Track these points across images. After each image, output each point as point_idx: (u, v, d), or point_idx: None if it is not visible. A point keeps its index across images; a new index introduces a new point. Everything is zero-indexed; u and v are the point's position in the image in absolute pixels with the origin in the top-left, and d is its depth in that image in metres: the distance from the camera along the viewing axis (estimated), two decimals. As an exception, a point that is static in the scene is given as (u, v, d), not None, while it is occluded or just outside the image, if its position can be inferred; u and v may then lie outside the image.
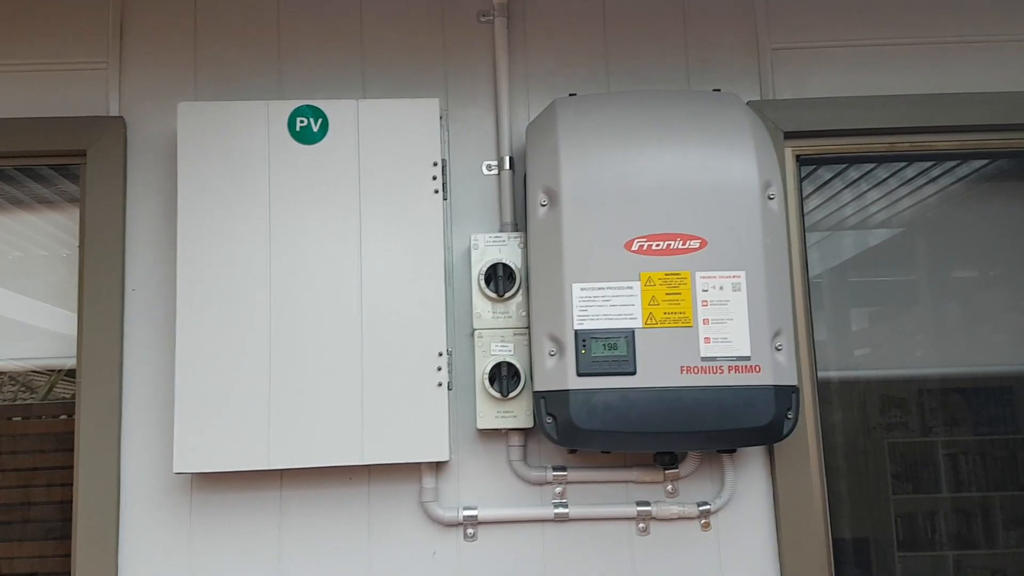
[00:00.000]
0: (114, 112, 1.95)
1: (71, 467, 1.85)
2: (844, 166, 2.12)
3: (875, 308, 2.13)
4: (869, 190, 2.15)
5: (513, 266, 1.82)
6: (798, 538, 1.82)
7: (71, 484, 1.84)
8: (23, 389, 2.02)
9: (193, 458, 1.71)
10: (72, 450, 1.84)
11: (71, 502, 1.85)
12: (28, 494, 1.96)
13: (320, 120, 1.81)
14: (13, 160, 1.96)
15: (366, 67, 1.99)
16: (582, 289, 1.65)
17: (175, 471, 1.71)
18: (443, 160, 1.85)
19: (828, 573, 1.84)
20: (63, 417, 1.98)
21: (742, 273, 1.65)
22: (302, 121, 1.81)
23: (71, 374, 1.96)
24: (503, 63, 1.96)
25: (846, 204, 2.16)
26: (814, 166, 2.09)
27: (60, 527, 1.93)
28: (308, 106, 1.82)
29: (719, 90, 1.86)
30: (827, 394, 2.03)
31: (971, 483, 2.09)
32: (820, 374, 1.98)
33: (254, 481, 1.83)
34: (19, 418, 2.02)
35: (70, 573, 1.81)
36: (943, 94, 2.01)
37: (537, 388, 1.69)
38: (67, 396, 1.98)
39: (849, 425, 2.06)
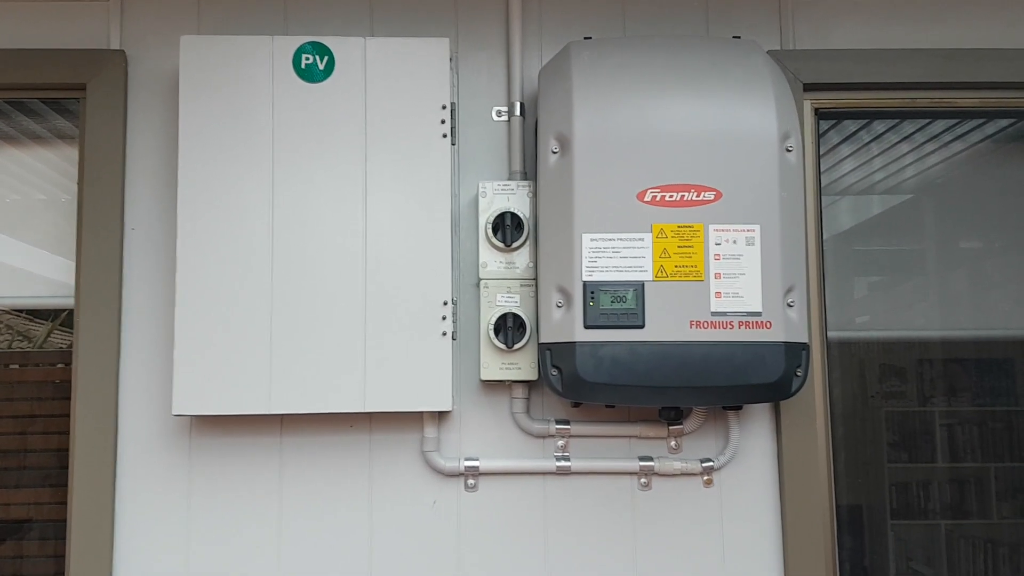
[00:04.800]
0: (115, 45, 1.90)
1: (68, 415, 1.83)
2: (860, 124, 2.07)
3: (901, 272, 2.09)
4: (895, 145, 2.11)
5: (521, 215, 1.78)
6: (801, 496, 1.81)
7: (68, 432, 1.83)
8: (19, 337, 2.00)
9: (193, 400, 1.69)
10: (69, 399, 1.82)
11: (68, 449, 1.83)
12: (24, 441, 1.94)
13: (326, 58, 1.75)
14: (11, 93, 1.91)
15: (374, 4, 1.92)
16: (592, 240, 1.61)
17: (174, 413, 1.69)
18: (452, 104, 1.80)
19: (830, 532, 1.83)
20: (60, 365, 1.96)
21: (757, 227, 1.61)
22: (307, 58, 1.75)
23: (67, 324, 1.94)
24: (516, 3, 1.89)
25: (863, 164, 2.11)
26: (833, 120, 2.04)
27: (56, 474, 1.92)
28: (314, 43, 1.76)
29: (739, 37, 1.81)
30: (840, 354, 2.01)
31: (968, 451, 2.08)
32: (831, 334, 1.95)
33: (254, 425, 1.81)
34: (15, 366, 2.00)
35: (66, 516, 1.80)
36: (966, 49, 1.94)
37: (543, 340, 1.66)
38: (64, 345, 1.96)
39: (859, 386, 2.04)
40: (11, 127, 1.99)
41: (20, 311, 2.00)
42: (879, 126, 2.09)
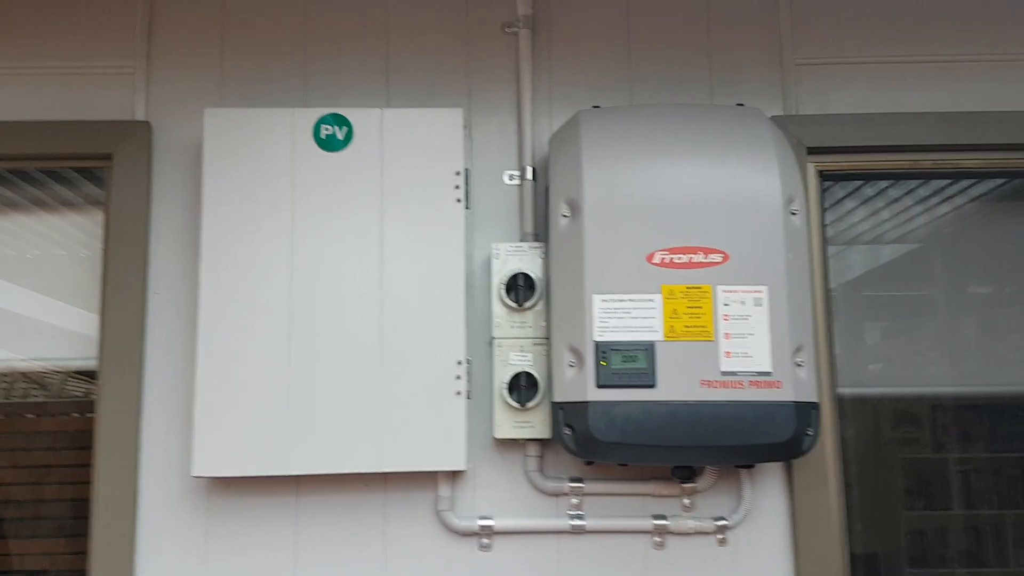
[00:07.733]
0: (140, 116, 1.97)
1: (83, 465, 1.86)
2: (860, 183, 2.12)
3: (906, 322, 2.11)
4: (897, 200, 2.15)
5: (533, 276, 1.82)
6: (815, 555, 1.81)
7: (83, 482, 1.86)
8: (35, 386, 2.03)
9: (212, 462, 1.72)
10: (83, 448, 1.86)
11: (83, 500, 1.86)
12: (39, 491, 1.96)
13: (345, 128, 1.82)
14: (39, 162, 1.98)
15: (391, 76, 2.00)
16: (603, 301, 1.65)
17: (193, 474, 1.71)
18: (466, 169, 1.85)
19: (845, 591, 1.83)
20: (75, 415, 1.99)
21: (764, 288, 1.65)
22: (327, 129, 1.82)
23: (83, 372, 1.97)
24: (527, 74, 1.96)
25: (867, 219, 2.15)
26: (833, 181, 2.09)
27: (71, 524, 1.93)
28: (333, 114, 1.83)
29: (743, 104, 1.87)
30: (853, 410, 2.02)
31: (984, 501, 2.07)
32: (840, 390, 1.97)
33: (271, 486, 1.83)
34: (31, 415, 2.03)
35: (85, 573, 1.82)
36: (967, 112, 2.00)
37: (556, 399, 1.69)
38: (79, 394, 1.99)
39: (871, 441, 2.05)
40: (42, 193, 2.06)
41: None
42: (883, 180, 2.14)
